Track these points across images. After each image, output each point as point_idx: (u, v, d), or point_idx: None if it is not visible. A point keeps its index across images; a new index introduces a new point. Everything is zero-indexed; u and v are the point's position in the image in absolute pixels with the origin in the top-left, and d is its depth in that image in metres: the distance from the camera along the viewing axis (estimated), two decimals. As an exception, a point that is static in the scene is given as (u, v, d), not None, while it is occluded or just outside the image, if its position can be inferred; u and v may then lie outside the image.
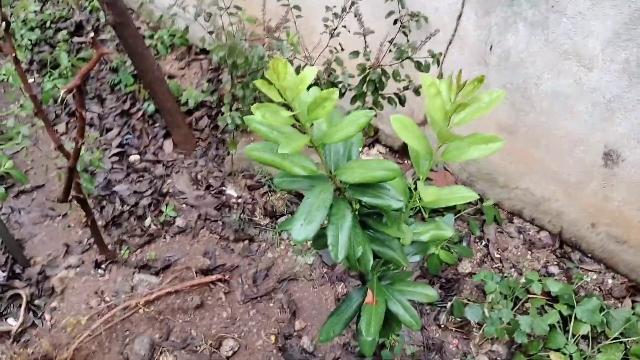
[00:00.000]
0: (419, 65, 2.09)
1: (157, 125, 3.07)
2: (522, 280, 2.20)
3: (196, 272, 2.33)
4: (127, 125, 3.10)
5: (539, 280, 2.09)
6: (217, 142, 2.95)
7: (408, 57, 2.09)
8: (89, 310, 2.19)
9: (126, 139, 3.02)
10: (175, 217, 2.56)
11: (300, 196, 2.62)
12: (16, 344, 2.10)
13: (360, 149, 1.09)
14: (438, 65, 2.16)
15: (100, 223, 2.52)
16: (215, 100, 3.09)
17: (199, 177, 2.77)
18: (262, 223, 2.56)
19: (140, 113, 3.13)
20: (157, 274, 2.33)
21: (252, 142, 1.64)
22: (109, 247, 2.40)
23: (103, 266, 2.37)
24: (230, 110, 2.36)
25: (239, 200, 2.66)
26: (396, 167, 0.95)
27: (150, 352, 2.07)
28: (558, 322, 1.98)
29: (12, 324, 2.17)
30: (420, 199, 1.04)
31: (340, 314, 1.24)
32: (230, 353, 2.08)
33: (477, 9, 2.03)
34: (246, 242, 2.48)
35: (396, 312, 1.19)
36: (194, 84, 3.27)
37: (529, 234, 2.43)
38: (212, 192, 2.69)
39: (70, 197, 2.04)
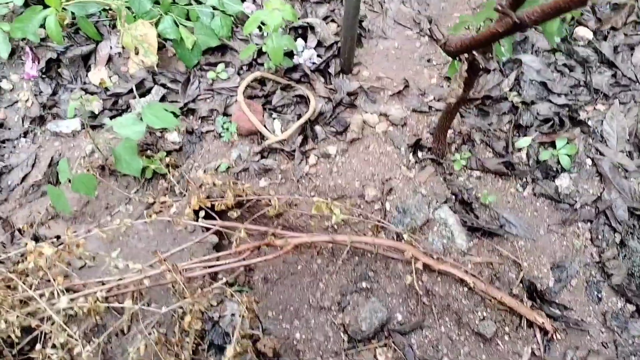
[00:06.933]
0: None
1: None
2: None
3: (522, 282, 1.29)
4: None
5: None
6: None
7: None
8: (358, 197, 1.38)
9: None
10: (560, 172, 1.44)
11: None
12: (257, 159, 1.45)
13: None
14: None
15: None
16: None
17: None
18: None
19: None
20: (472, 231, 1.36)
21: None
22: (449, 137, 1.44)
23: (420, 154, 1.46)
24: None
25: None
26: None
27: (375, 331, 1.24)
28: None
29: (276, 131, 1.49)
30: None
31: None
32: None
33: None
34: (630, 306, 1.29)
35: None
36: None
37: None
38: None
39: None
